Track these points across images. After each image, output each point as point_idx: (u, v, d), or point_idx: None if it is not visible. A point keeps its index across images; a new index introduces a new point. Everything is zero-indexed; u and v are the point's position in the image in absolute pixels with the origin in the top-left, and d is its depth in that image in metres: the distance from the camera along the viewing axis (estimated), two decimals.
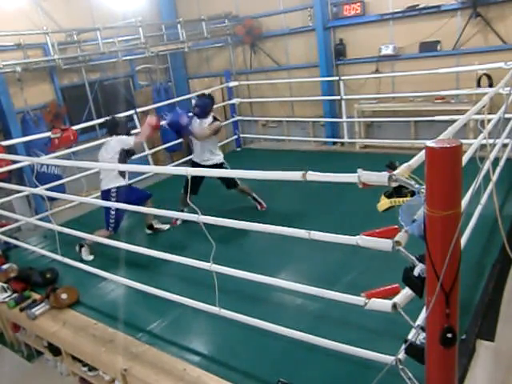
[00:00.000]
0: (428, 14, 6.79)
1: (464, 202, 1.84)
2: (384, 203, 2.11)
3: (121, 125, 4.95)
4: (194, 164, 5.28)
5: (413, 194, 1.96)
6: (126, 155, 4.79)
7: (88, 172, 6.12)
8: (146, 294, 3.44)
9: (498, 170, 4.30)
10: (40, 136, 5.82)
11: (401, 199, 2.03)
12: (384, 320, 2.77)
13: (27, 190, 5.24)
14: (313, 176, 2.24)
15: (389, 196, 2.09)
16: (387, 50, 7.25)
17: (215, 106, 6.23)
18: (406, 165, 1.99)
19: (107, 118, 5.27)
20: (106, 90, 8.41)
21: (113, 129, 4.89)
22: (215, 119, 5.20)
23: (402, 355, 2.12)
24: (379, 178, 1.96)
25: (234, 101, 8.33)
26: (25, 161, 5.28)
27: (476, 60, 6.32)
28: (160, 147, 7.77)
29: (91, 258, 4.67)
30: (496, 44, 6.42)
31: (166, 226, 5.29)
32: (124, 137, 4.81)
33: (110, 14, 8.00)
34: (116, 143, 4.74)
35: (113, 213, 4.60)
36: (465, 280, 1.93)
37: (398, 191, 2.04)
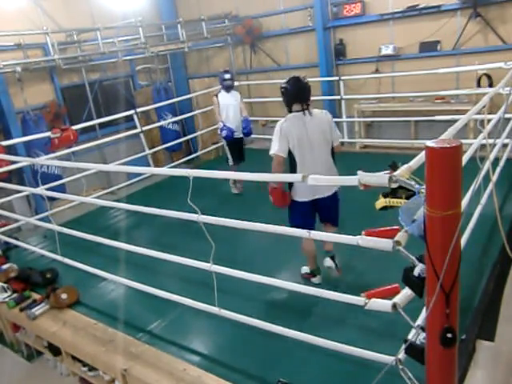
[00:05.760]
0: (428, 13, 6.80)
1: (464, 202, 1.84)
2: (380, 202, 2.14)
3: None
4: None
5: (408, 196, 1.97)
6: None
7: (88, 172, 6.11)
8: (146, 294, 3.44)
9: (498, 170, 4.30)
10: (40, 136, 5.81)
11: (395, 200, 2.04)
12: (384, 320, 2.77)
13: (27, 190, 5.24)
14: (313, 180, 2.24)
15: (386, 195, 2.11)
16: (387, 50, 7.26)
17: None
18: (406, 166, 2.00)
19: (300, 80, 3.63)
20: (105, 90, 8.40)
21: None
22: None
23: (402, 355, 2.12)
24: (379, 179, 1.96)
25: None
26: (25, 161, 5.27)
27: (476, 60, 6.32)
28: (160, 147, 7.76)
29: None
30: (496, 44, 6.42)
31: None
32: None
33: (110, 14, 7.98)
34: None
35: None
36: (465, 280, 1.93)
37: (395, 192, 2.06)
